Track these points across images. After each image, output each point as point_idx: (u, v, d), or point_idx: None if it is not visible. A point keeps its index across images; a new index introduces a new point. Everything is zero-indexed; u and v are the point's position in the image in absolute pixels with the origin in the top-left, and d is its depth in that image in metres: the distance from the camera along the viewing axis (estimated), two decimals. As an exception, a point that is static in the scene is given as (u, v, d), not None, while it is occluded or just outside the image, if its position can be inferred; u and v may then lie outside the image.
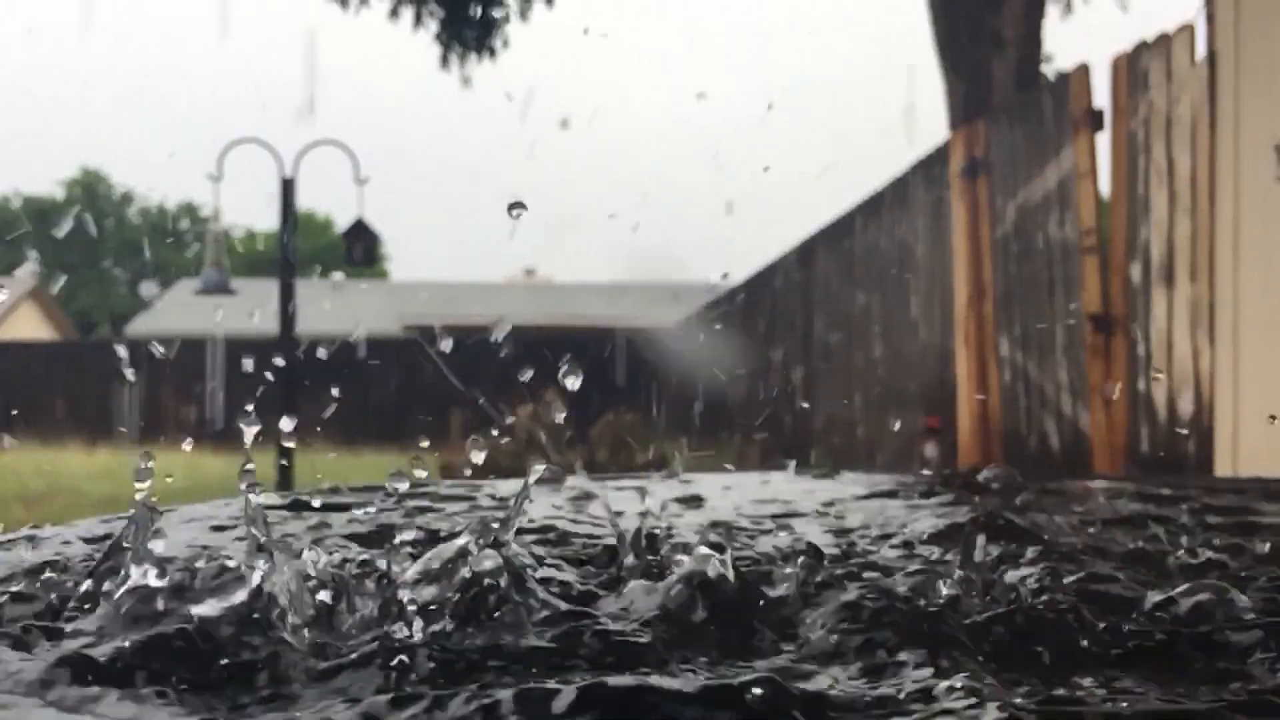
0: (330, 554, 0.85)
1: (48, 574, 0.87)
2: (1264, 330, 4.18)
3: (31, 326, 31.07)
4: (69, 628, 0.73)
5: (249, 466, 0.88)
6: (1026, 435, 6.01)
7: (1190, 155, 4.60)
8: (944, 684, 0.60)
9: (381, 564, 0.81)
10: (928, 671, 0.63)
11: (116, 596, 0.74)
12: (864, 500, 1.42)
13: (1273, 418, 3.84)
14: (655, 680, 0.58)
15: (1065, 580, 0.82)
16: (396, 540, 0.85)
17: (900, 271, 7.94)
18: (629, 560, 0.87)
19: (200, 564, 0.76)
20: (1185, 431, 4.60)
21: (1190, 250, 4.61)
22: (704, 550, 0.78)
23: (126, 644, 0.65)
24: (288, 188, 11.47)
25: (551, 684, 0.56)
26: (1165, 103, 4.77)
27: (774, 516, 1.25)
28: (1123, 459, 5.04)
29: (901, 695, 0.59)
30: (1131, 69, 5.00)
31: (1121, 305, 5.11)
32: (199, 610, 0.69)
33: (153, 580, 0.74)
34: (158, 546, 0.80)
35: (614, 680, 0.57)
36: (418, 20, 11.75)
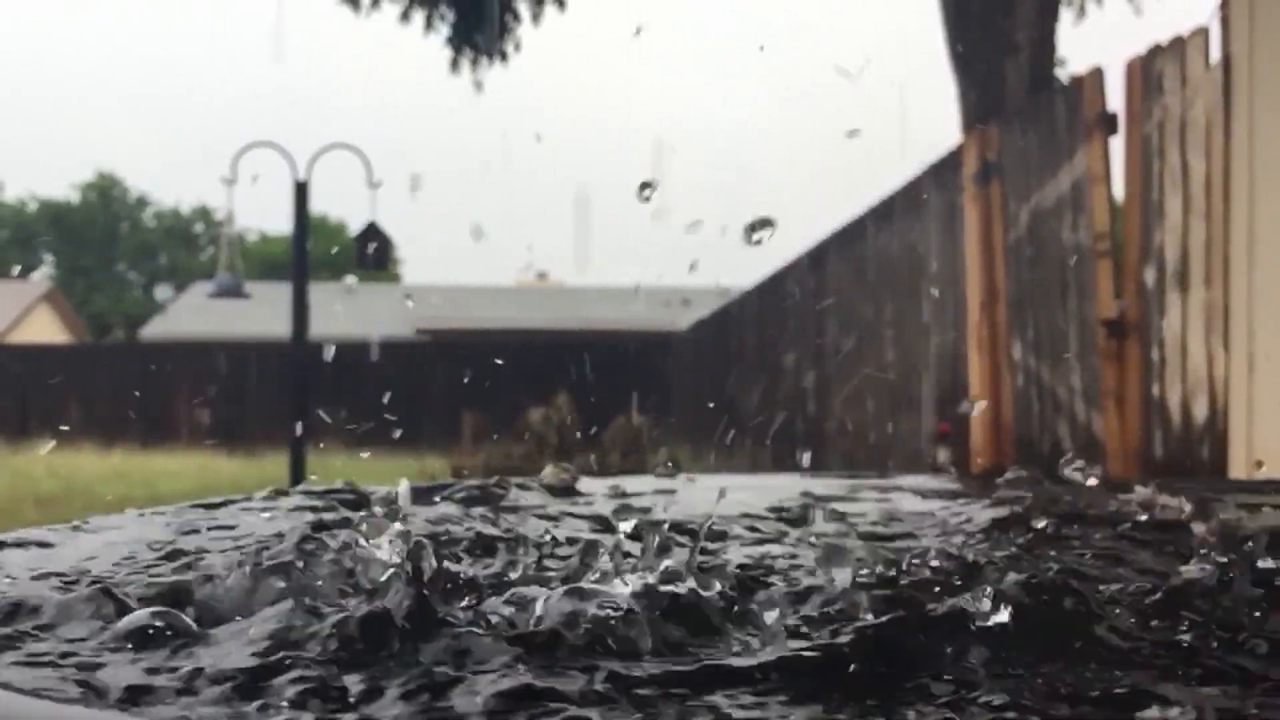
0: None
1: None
2: (1278, 334, 4.16)
3: (46, 329, 31.22)
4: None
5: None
6: (1039, 439, 5.99)
7: (1204, 159, 4.59)
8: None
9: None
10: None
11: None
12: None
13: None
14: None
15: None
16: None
17: (912, 276, 7.92)
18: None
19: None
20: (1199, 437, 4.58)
21: (1204, 254, 4.59)
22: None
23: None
24: (301, 191, 11.51)
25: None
26: (1179, 106, 4.75)
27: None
28: (1135, 464, 5.02)
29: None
30: (1145, 72, 4.98)
31: (1135, 310, 5.09)
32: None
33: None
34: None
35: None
36: (429, 24, 11.78)
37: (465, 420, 13.67)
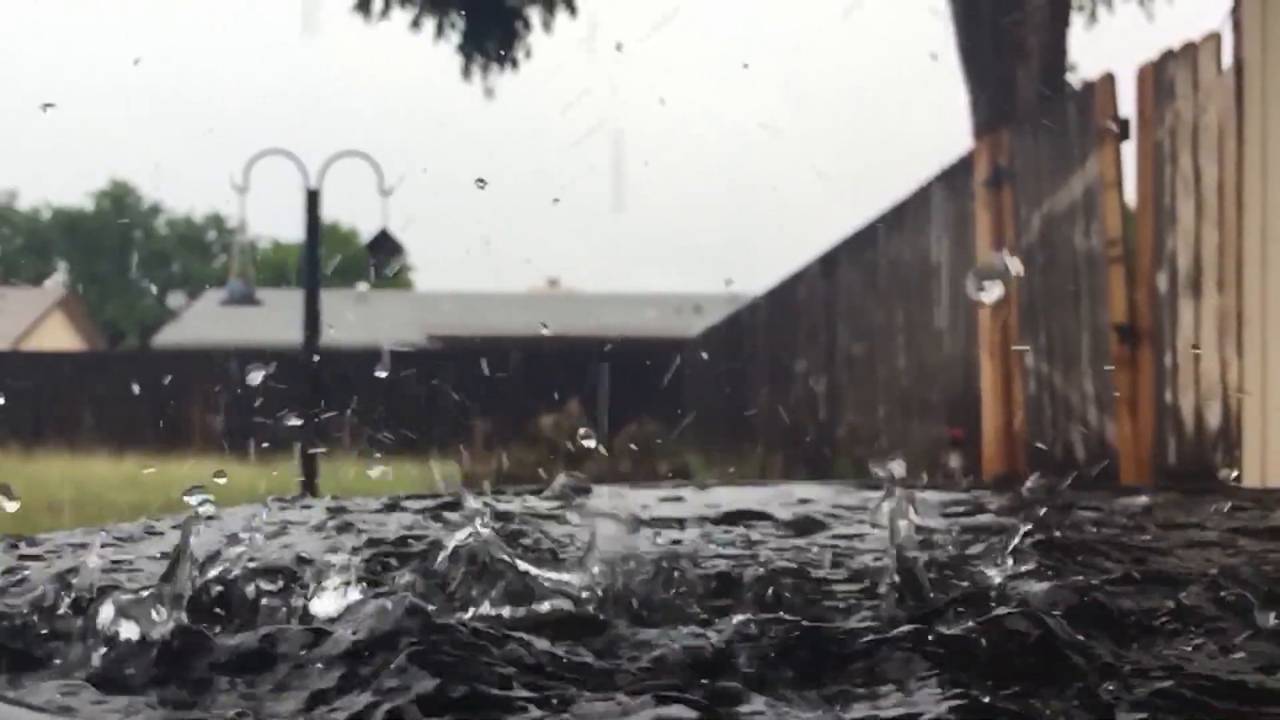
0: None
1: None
2: (1292, 341, 4.14)
3: (60, 336, 31.35)
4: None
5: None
6: (1051, 446, 5.97)
7: (1217, 165, 4.57)
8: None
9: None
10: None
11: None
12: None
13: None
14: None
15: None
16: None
17: (923, 281, 7.91)
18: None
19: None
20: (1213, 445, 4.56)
21: (1217, 260, 4.58)
22: None
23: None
24: (313, 199, 11.54)
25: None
26: (1191, 112, 4.74)
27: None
28: (1149, 470, 5.00)
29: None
30: (1157, 78, 4.97)
31: (1148, 316, 5.07)
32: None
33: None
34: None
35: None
36: (439, 31, 11.81)
37: (477, 427, 13.70)
